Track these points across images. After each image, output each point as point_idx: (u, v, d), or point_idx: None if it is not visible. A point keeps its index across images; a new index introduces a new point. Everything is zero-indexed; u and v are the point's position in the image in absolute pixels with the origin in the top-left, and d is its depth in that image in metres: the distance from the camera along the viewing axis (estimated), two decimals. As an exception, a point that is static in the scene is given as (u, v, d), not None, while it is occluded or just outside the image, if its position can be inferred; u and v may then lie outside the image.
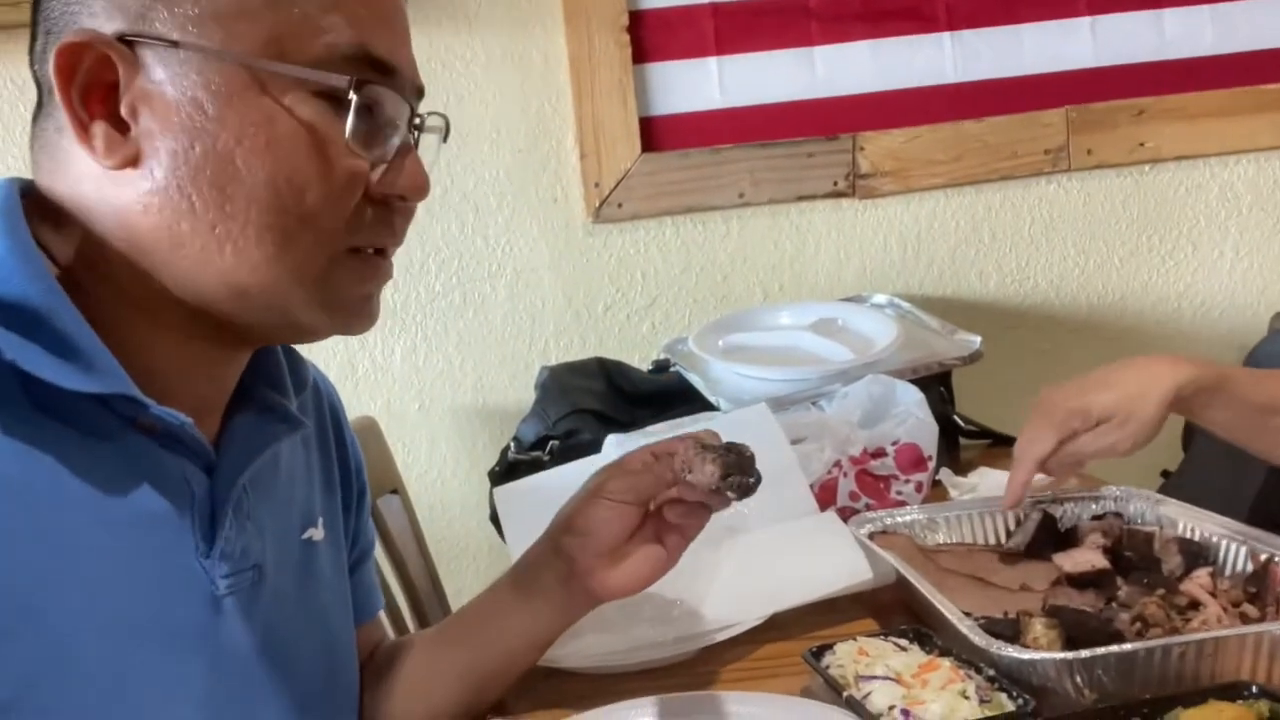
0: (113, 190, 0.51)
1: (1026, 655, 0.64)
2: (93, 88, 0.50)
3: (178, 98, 0.51)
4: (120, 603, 0.50)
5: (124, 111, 0.51)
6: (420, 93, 0.59)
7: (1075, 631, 0.70)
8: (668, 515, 0.69)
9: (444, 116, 0.62)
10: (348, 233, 0.55)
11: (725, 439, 0.66)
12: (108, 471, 0.50)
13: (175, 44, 0.50)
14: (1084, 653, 0.63)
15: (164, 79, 0.51)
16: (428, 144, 0.60)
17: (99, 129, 0.51)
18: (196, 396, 0.56)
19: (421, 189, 0.57)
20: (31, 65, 0.55)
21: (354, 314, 0.57)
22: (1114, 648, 0.63)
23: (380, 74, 0.54)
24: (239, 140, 0.51)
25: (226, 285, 0.53)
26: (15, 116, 1.39)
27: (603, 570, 0.69)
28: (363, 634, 0.75)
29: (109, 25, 0.51)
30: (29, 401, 0.48)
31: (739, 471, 0.64)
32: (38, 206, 0.53)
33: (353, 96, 0.52)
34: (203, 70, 0.51)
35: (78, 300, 0.50)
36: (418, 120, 0.58)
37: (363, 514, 0.77)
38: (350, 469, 0.74)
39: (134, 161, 0.51)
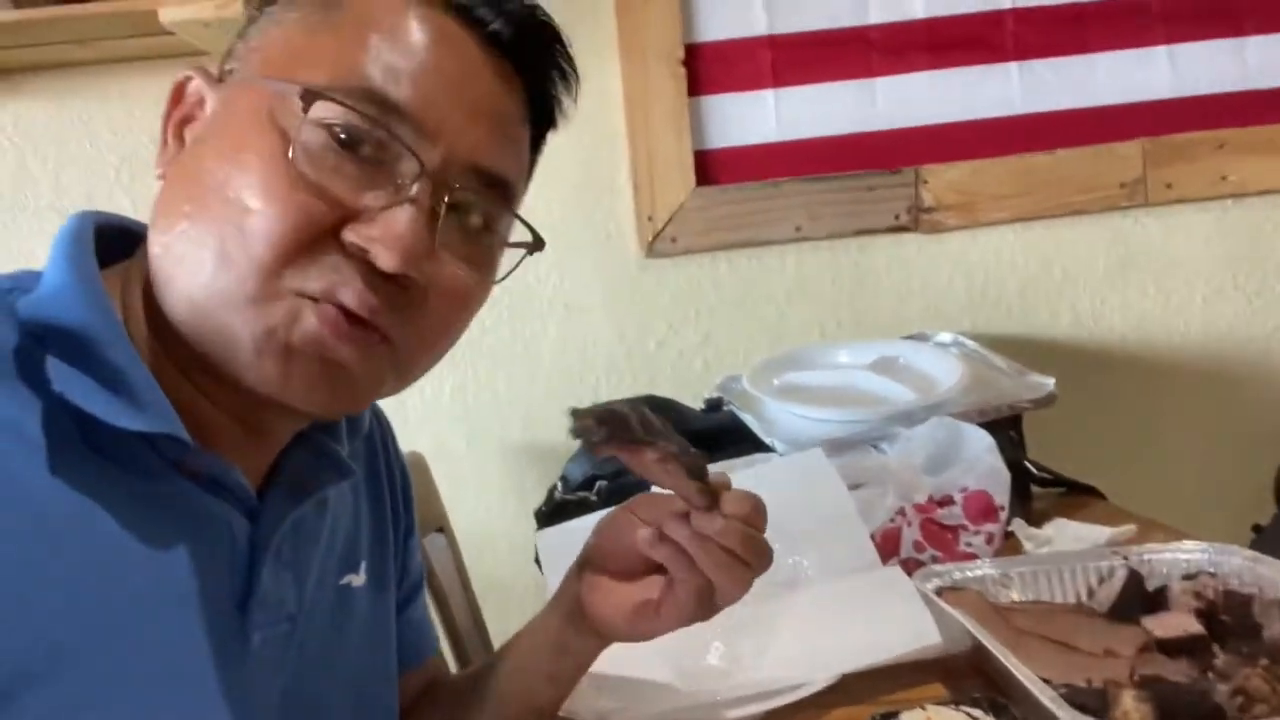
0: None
1: (1120, 735, 0.58)
2: (187, 120, 0.54)
3: (209, 114, 0.53)
4: (154, 650, 0.48)
5: (186, 134, 0.54)
6: (488, 179, 0.53)
7: (1170, 706, 0.63)
8: (641, 538, 0.59)
9: (533, 230, 0.56)
10: (294, 270, 0.48)
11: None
12: (149, 514, 0.49)
13: (232, 71, 0.54)
14: (1185, 734, 0.56)
15: (210, 103, 0.53)
16: (509, 256, 0.57)
17: (171, 144, 0.54)
18: (247, 445, 0.55)
19: (392, 250, 0.48)
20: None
21: (297, 371, 0.49)
22: (1219, 729, 0.56)
23: (383, 112, 0.50)
24: (217, 147, 0.51)
25: (185, 302, 0.50)
26: (80, 152, 1.42)
27: (603, 590, 0.64)
28: (418, 674, 0.72)
29: (214, 67, 0.55)
30: (78, 437, 0.47)
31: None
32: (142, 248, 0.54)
33: (300, 104, 0.48)
34: (232, 91, 0.53)
35: (145, 343, 0.50)
36: (461, 197, 0.52)
37: (410, 549, 0.74)
38: (400, 505, 0.72)
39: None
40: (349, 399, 0.52)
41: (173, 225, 0.50)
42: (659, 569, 0.62)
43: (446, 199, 0.51)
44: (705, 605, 0.61)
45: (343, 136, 0.49)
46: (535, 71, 0.57)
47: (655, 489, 0.61)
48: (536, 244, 0.58)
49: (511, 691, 0.68)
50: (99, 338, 0.47)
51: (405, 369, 0.54)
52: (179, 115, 0.54)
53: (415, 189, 0.50)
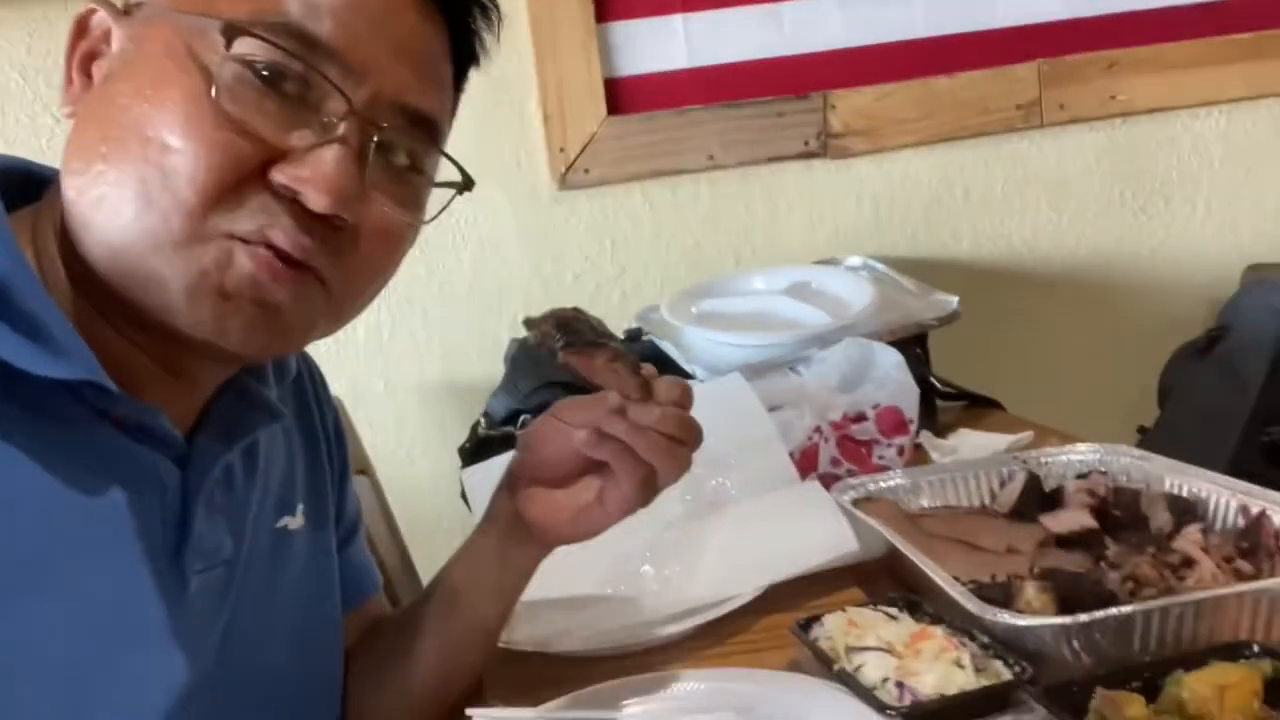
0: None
1: (1023, 621, 0.62)
2: (93, 55, 0.51)
3: (118, 50, 0.50)
4: (86, 598, 0.47)
5: (93, 70, 0.51)
6: (414, 119, 0.52)
7: (1068, 594, 0.68)
8: (579, 440, 0.61)
9: (461, 168, 0.55)
10: (221, 210, 0.47)
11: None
12: (75, 463, 0.47)
13: (129, 10, 0.51)
14: (1082, 617, 0.61)
15: (119, 37, 0.51)
16: (436, 195, 0.56)
17: (76, 81, 0.51)
18: (172, 390, 0.53)
19: (320, 189, 0.48)
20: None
21: (226, 313, 0.49)
22: (1113, 611, 0.61)
23: (307, 50, 0.48)
24: (130, 83, 0.49)
25: (104, 246, 0.49)
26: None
27: (540, 497, 0.65)
28: (361, 614, 0.73)
29: None
30: None
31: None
32: (53, 193, 0.51)
33: (220, 41, 0.47)
34: (139, 26, 0.50)
35: (63, 288, 0.49)
36: (388, 135, 0.51)
37: (345, 490, 0.73)
38: (333, 447, 0.71)
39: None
40: (283, 341, 0.52)
41: (88, 167, 0.48)
42: (591, 468, 0.64)
43: (375, 138, 0.50)
44: (648, 490, 0.63)
45: (266, 73, 0.48)
46: (457, 7, 0.56)
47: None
48: (466, 184, 0.57)
49: (455, 614, 0.69)
50: (11, 284, 0.45)
51: (338, 310, 0.54)
52: (84, 50, 0.51)
53: (343, 128, 0.49)
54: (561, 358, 0.58)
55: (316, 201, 0.48)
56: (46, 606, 0.46)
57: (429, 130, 0.54)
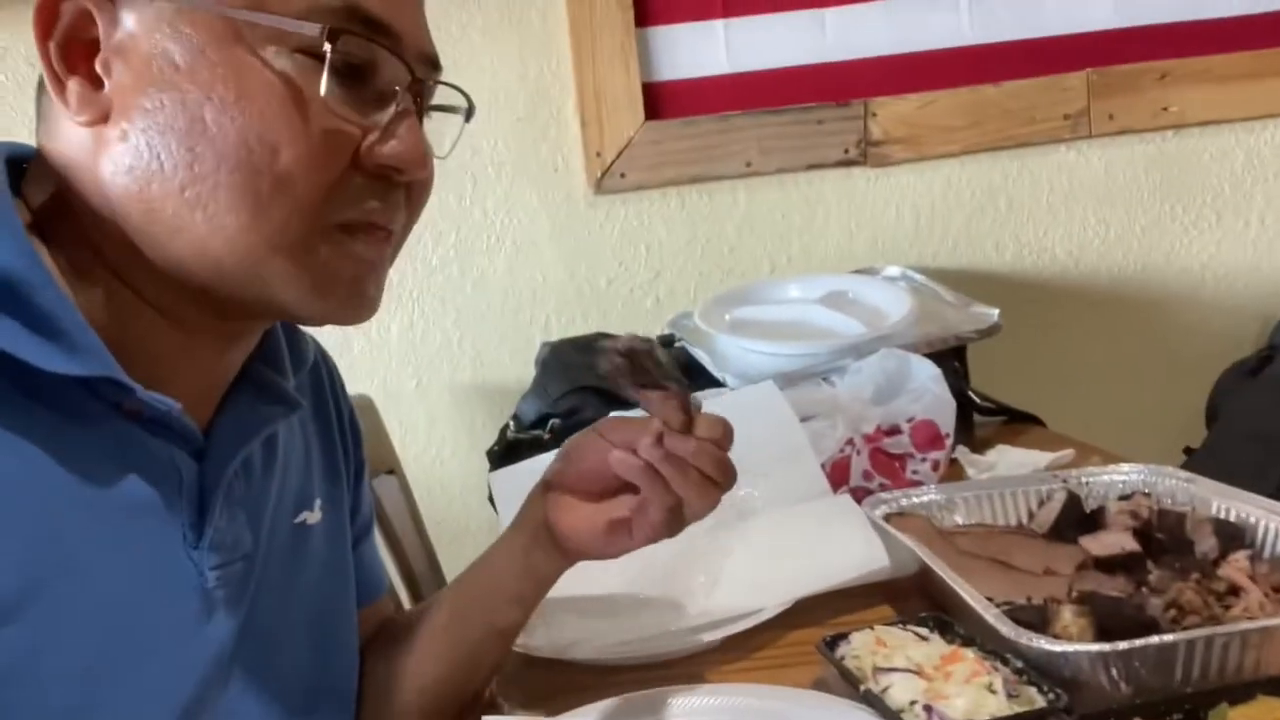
0: (92, 150, 0.49)
1: (1059, 647, 0.60)
2: (73, 43, 0.48)
3: (150, 50, 0.48)
4: (103, 595, 0.47)
5: (99, 67, 0.48)
6: (432, 64, 0.54)
7: (1107, 620, 0.66)
8: (614, 459, 0.62)
9: (465, 94, 0.57)
10: (331, 204, 0.50)
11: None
12: (91, 459, 0.47)
13: None
14: (1121, 645, 0.58)
15: (139, 32, 0.48)
16: (448, 123, 0.57)
17: (74, 85, 0.48)
18: (191, 382, 0.53)
19: (416, 161, 0.52)
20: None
21: (343, 298, 0.52)
22: (1154, 639, 0.59)
23: (371, 31, 0.50)
24: (208, 94, 0.47)
25: (201, 255, 0.49)
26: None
27: (570, 508, 0.66)
28: (368, 614, 0.72)
29: None
30: (8, 383, 0.45)
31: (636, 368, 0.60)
32: (37, 174, 0.51)
33: (327, 48, 0.48)
34: (176, 20, 0.48)
35: (72, 279, 0.48)
36: (422, 85, 0.54)
37: (361, 487, 0.73)
38: (349, 442, 0.71)
39: (106, 118, 0.48)
40: (374, 307, 0.55)
41: (173, 176, 0.48)
42: (626, 489, 0.64)
43: (424, 98, 0.54)
44: (675, 521, 0.63)
45: (343, 62, 0.49)
46: None
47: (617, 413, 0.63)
48: (469, 110, 0.59)
49: (473, 615, 0.69)
50: (24, 280, 0.45)
51: (395, 256, 0.57)
52: (61, 42, 0.48)
53: (409, 96, 0.52)
54: (627, 393, 0.60)
55: (417, 176, 0.52)
56: (64, 603, 0.45)
57: (439, 70, 0.56)
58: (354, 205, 0.51)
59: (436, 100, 0.57)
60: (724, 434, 0.61)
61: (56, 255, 0.49)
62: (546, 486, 0.67)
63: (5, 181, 0.49)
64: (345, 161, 0.50)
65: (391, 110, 0.51)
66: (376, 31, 0.50)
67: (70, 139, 0.50)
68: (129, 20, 0.48)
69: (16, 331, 0.44)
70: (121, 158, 0.48)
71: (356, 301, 0.53)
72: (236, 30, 0.48)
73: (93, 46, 0.48)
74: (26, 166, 0.52)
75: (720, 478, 0.61)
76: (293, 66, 0.48)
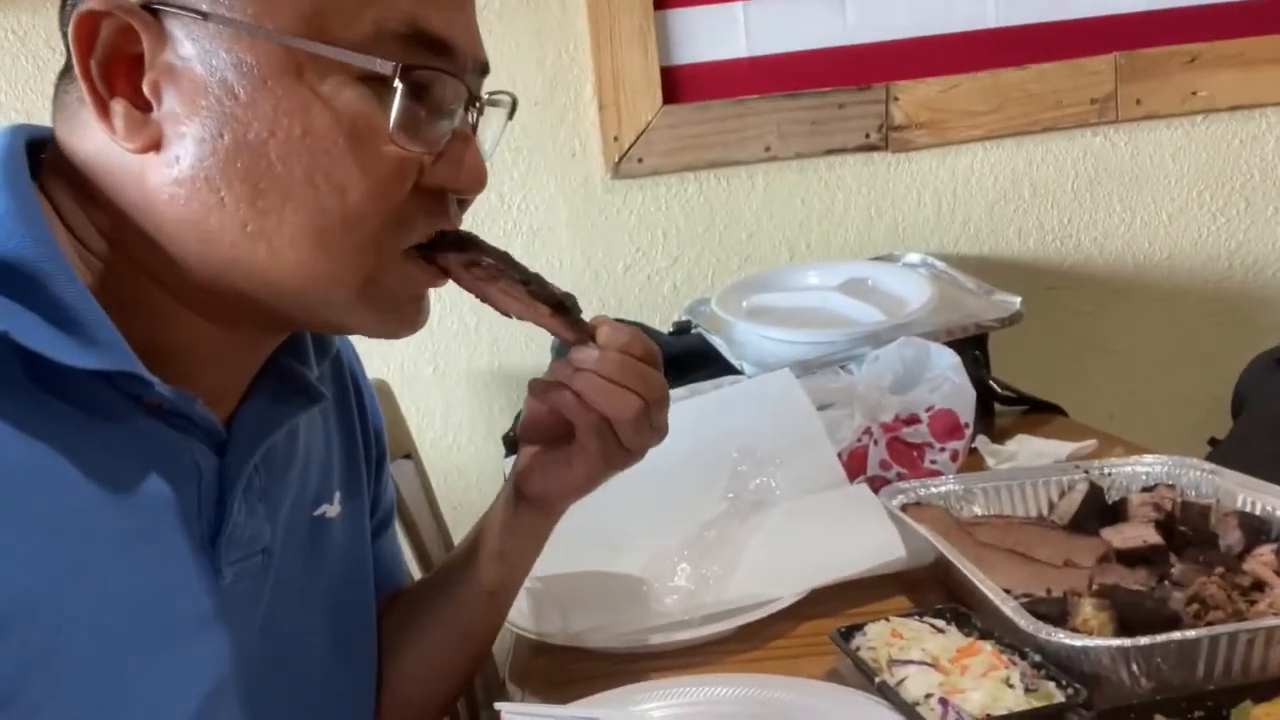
0: (138, 170, 0.47)
1: (1079, 642, 0.59)
2: (115, 60, 0.46)
3: (206, 78, 0.46)
4: (121, 591, 0.47)
5: (146, 89, 0.46)
6: (484, 69, 0.54)
7: (1128, 614, 0.64)
8: (530, 385, 0.63)
9: (511, 95, 0.56)
10: (397, 233, 0.50)
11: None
12: (110, 453, 0.47)
13: (204, 15, 0.46)
14: (1143, 640, 0.57)
15: (192, 55, 0.46)
16: (491, 122, 0.56)
17: (119, 107, 0.46)
18: (215, 377, 0.53)
19: (478, 182, 0.52)
20: (61, 25, 0.49)
21: (403, 318, 0.53)
22: (1175, 634, 0.58)
23: (434, 53, 0.49)
24: (273, 130, 0.46)
25: (261, 283, 0.49)
26: (17, 69, 1.35)
27: (527, 456, 0.67)
28: (383, 604, 0.72)
29: None
30: (26, 377, 0.44)
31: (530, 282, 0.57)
32: (55, 162, 0.50)
33: (399, 84, 0.47)
34: (234, 48, 0.46)
35: (94, 272, 0.47)
36: (479, 101, 0.53)
37: (382, 478, 0.73)
38: (370, 432, 0.70)
39: (157, 145, 0.47)
40: (426, 318, 0.56)
41: (234, 208, 0.47)
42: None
43: (478, 111, 0.53)
44: (610, 446, 0.61)
45: (409, 91, 0.48)
46: None
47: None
48: (513, 105, 0.58)
49: (461, 574, 0.69)
50: (44, 271, 0.45)
51: None
52: (102, 60, 0.46)
53: (468, 114, 0.52)
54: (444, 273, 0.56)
55: (476, 191, 0.53)
56: (84, 599, 0.45)
57: (489, 71, 0.55)
58: (417, 229, 0.51)
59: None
60: (631, 338, 0.60)
61: (80, 249, 0.49)
62: (517, 443, 0.68)
63: (27, 170, 0.48)
64: (409, 188, 0.50)
65: (449, 129, 0.51)
66: (439, 53, 0.49)
67: (111, 151, 0.48)
68: (181, 41, 0.46)
69: (35, 324, 0.44)
70: (176, 188, 0.47)
71: (414, 319, 0.54)
72: (299, 61, 0.46)
73: (136, 64, 0.46)
74: (45, 157, 0.51)
75: (635, 385, 0.59)
76: (359, 100, 0.47)
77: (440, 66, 0.49)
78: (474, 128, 0.53)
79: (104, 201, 0.49)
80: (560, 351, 1.28)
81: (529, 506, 0.67)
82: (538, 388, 0.62)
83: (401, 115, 0.47)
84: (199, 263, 0.49)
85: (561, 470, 0.64)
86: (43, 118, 0.53)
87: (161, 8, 0.46)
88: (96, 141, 0.48)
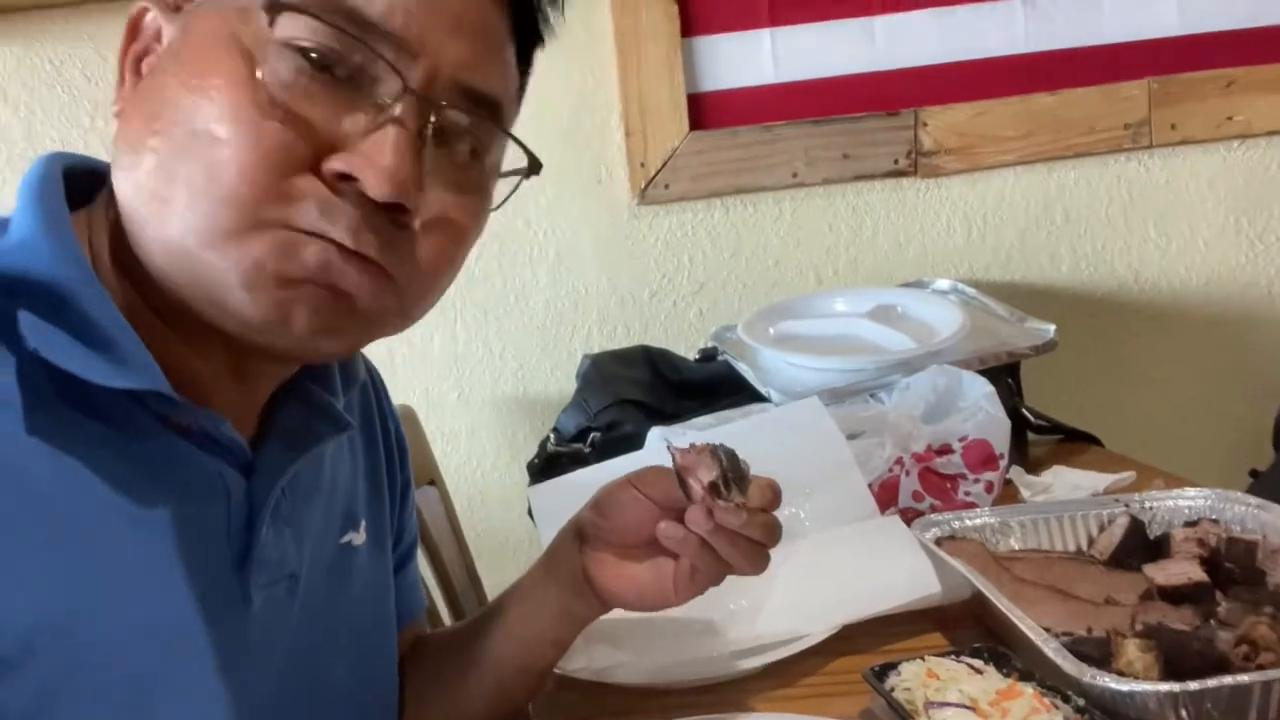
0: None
1: (1126, 686, 0.56)
2: (147, 54, 0.50)
3: (166, 43, 0.49)
4: (148, 612, 0.46)
5: (144, 69, 0.50)
6: (474, 98, 0.49)
7: (1174, 655, 0.62)
8: (660, 531, 0.61)
9: (528, 150, 0.52)
10: (274, 201, 0.45)
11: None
12: (139, 473, 0.46)
13: (178, 6, 0.49)
14: (1192, 685, 0.55)
15: (171, 31, 0.49)
16: (508, 179, 0.54)
17: (130, 81, 0.50)
18: (234, 395, 0.52)
19: (378, 177, 0.45)
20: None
21: (288, 308, 0.46)
22: (1227, 679, 0.55)
23: (361, 30, 0.46)
24: (175, 70, 0.47)
25: (158, 242, 0.46)
26: (53, 98, 1.37)
27: (608, 564, 0.64)
28: (404, 636, 0.71)
29: None
30: (56, 395, 0.44)
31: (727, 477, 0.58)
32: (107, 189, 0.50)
33: (264, 20, 0.45)
34: (190, 19, 0.49)
35: (123, 290, 0.47)
36: (449, 118, 0.49)
37: (406, 508, 0.73)
38: (395, 462, 0.70)
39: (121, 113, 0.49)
40: (351, 333, 0.49)
41: (138, 163, 0.47)
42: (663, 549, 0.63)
43: (433, 119, 0.47)
44: (720, 580, 0.63)
45: (314, 55, 0.45)
46: None
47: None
48: (533, 167, 0.54)
49: (509, 656, 0.67)
50: (74, 290, 0.45)
51: (407, 308, 0.51)
52: (136, 50, 0.50)
53: (399, 109, 0.46)
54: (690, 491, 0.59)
55: (376, 188, 0.45)
56: (111, 620, 0.44)
57: (491, 111, 0.51)
58: (306, 212, 0.45)
59: (506, 164, 0.54)
60: (774, 498, 0.60)
61: (113, 268, 0.49)
62: (581, 536, 0.66)
63: (61, 190, 0.49)
64: (293, 160, 0.45)
65: (367, 119, 0.46)
66: (366, 30, 0.46)
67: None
68: (170, 31, 0.49)
69: (65, 343, 0.44)
70: (115, 146, 0.49)
71: (310, 308, 0.46)
72: (228, 15, 0.47)
73: None
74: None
75: (769, 541, 0.60)
76: (262, 51, 0.45)
77: (347, 31, 0.45)
78: (425, 138, 0.47)
79: (119, 212, 0.49)
80: (589, 380, 1.26)
81: (598, 604, 0.66)
82: (668, 534, 0.61)
83: (277, 67, 0.45)
84: (133, 242, 0.47)
85: (661, 594, 0.63)
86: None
87: (178, 5, 0.49)
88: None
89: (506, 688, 0.68)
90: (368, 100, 0.47)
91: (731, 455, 0.59)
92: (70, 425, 0.44)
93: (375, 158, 0.45)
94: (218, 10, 0.48)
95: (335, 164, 0.45)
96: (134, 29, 0.51)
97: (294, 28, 0.45)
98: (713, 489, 0.57)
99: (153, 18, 0.50)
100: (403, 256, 0.48)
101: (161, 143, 0.46)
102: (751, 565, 0.60)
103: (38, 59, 1.36)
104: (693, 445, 0.59)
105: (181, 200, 0.45)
